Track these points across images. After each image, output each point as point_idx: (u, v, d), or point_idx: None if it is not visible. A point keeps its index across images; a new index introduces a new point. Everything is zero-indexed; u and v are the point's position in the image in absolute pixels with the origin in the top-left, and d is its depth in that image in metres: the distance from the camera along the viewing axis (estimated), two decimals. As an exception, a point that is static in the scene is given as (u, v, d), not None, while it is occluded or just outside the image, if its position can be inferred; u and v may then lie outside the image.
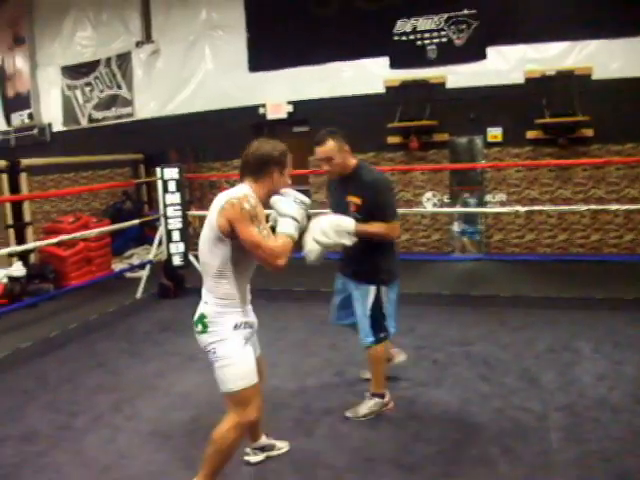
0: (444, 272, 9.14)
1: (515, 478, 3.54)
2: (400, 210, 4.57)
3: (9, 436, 4.35)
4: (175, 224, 8.41)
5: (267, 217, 3.26)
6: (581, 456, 3.70)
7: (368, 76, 10.33)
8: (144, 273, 8.69)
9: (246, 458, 3.84)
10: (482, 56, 9.69)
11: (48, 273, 8.79)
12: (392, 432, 4.19)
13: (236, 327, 3.19)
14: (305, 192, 10.84)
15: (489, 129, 9.82)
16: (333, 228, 3.99)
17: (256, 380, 3.24)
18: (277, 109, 11.08)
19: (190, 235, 8.66)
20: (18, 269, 8.46)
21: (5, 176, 8.90)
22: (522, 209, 8.39)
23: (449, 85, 9.91)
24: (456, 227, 10.12)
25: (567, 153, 9.36)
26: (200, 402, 4.67)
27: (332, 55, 10.50)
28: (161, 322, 7.08)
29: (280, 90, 10.94)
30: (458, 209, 9.97)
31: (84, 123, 12.98)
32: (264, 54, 10.97)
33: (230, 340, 3.16)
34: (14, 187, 8.98)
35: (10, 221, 8.91)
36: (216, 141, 11.05)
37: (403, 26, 10.04)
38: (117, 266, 10.12)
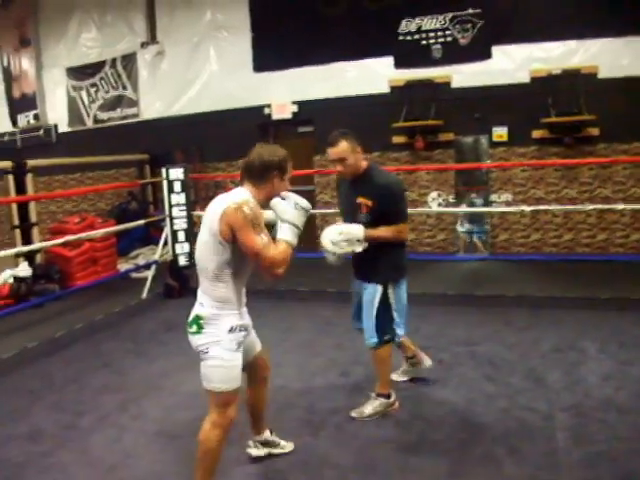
0: (449, 272, 9.12)
1: (521, 478, 3.53)
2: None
3: (15, 436, 4.36)
4: (180, 224, 8.41)
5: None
6: (587, 456, 3.70)
7: (373, 76, 10.33)
8: (150, 273, 8.70)
9: (248, 450, 3.86)
10: (487, 55, 9.68)
11: (54, 273, 8.80)
12: (398, 432, 4.19)
13: (231, 330, 3.21)
14: (310, 192, 10.86)
15: (494, 129, 9.80)
16: (343, 237, 4.04)
17: (239, 384, 3.29)
18: (282, 109, 11.09)
19: (195, 235, 8.66)
20: (24, 269, 8.48)
21: (11, 177, 8.92)
22: (528, 209, 8.38)
23: (454, 85, 9.90)
24: (461, 227, 10.09)
25: (573, 152, 9.33)
26: (206, 402, 4.67)
27: (337, 55, 10.50)
28: (167, 322, 7.08)
29: (285, 90, 10.95)
30: (463, 209, 9.94)
31: (89, 124, 13.01)
32: (269, 54, 10.97)
33: (224, 343, 3.19)
34: (20, 188, 9.00)
35: (16, 222, 8.93)
36: (221, 141, 11.05)
37: (408, 26, 10.03)
38: (123, 266, 10.12)
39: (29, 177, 9.16)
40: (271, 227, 3.29)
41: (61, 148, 12.86)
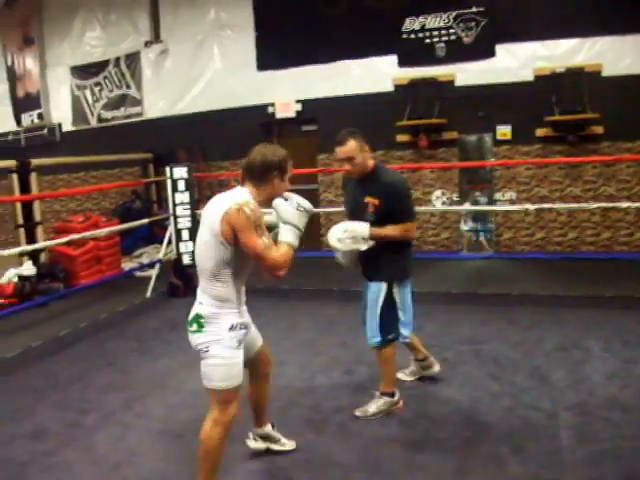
0: (453, 270, 9.12)
1: (525, 477, 3.53)
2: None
3: (19, 434, 4.36)
4: (184, 223, 8.41)
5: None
6: (591, 455, 3.69)
7: (377, 74, 10.33)
8: (154, 272, 8.71)
9: (247, 442, 3.89)
10: (491, 54, 9.67)
11: (58, 272, 8.81)
12: (402, 431, 4.19)
13: (232, 328, 3.22)
14: (314, 191, 10.86)
15: (498, 127, 9.79)
16: (348, 235, 4.05)
17: (240, 381, 3.29)
18: (286, 108, 11.09)
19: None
20: (28, 268, 8.49)
21: (15, 176, 8.94)
22: (532, 207, 8.36)
23: (458, 83, 9.89)
24: (464, 225, 10.08)
25: (577, 150, 9.32)
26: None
27: (340, 54, 10.50)
28: (171, 321, 7.09)
29: (289, 89, 10.95)
30: (467, 207, 9.93)
31: (93, 123, 13.02)
32: (272, 53, 10.97)
33: (225, 341, 3.20)
34: (24, 187, 9.01)
35: (20, 221, 8.94)
36: (225, 140, 11.05)
37: (411, 24, 10.02)
38: (127, 265, 10.13)
39: (33, 176, 9.17)
40: (270, 229, 3.32)
41: (65, 147, 12.88)
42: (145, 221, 9.39)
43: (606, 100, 8.91)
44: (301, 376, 5.25)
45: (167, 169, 8.53)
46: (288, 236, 3.22)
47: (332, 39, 10.51)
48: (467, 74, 9.78)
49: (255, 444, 3.90)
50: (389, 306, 4.28)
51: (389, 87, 10.26)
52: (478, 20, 9.63)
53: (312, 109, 10.84)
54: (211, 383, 3.24)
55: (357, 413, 4.39)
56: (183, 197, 8.41)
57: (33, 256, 8.84)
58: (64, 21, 12.90)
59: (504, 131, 9.77)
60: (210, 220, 3.16)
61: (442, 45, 9.91)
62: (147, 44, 12.07)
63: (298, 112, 11.03)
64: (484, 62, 9.71)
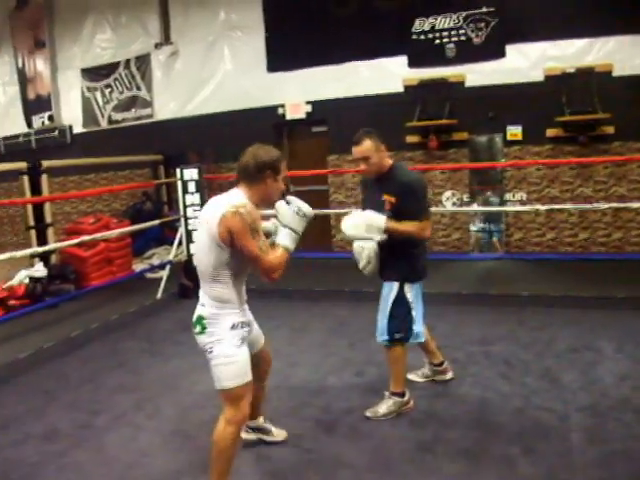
0: (464, 271, 9.09)
1: (536, 478, 3.52)
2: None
3: (31, 435, 4.39)
4: (195, 225, 8.42)
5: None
6: (603, 456, 3.68)
7: (386, 75, 10.31)
8: (164, 273, 8.72)
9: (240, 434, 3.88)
10: (501, 54, 9.64)
11: (69, 274, 8.84)
12: (412, 431, 4.19)
13: (233, 327, 3.26)
14: (324, 192, 10.85)
15: (509, 127, 9.76)
16: (365, 222, 4.07)
17: (250, 378, 3.33)
18: (296, 109, 11.10)
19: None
20: (39, 270, 8.52)
21: (26, 178, 8.96)
22: (542, 208, 8.34)
23: (468, 84, 9.87)
24: (474, 226, 10.06)
25: (588, 151, 9.28)
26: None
27: (350, 55, 10.49)
28: (182, 322, 7.09)
29: (299, 90, 10.95)
30: (478, 208, 9.90)
31: (104, 124, 13.06)
32: (282, 54, 10.98)
33: (227, 340, 3.24)
34: (35, 189, 9.03)
35: (31, 222, 8.97)
36: (235, 141, 10.89)
37: (421, 25, 10.00)
38: (137, 266, 10.16)
39: (44, 178, 9.19)
40: (267, 236, 3.39)
41: (76, 149, 12.94)
42: (156, 222, 9.42)
43: (617, 100, 8.87)
44: (312, 377, 5.25)
45: (177, 171, 8.56)
46: (285, 239, 3.28)
47: (342, 40, 10.50)
48: (477, 75, 9.76)
49: (247, 435, 3.98)
50: (399, 306, 4.29)
51: (399, 88, 10.24)
52: (488, 20, 9.61)
53: (322, 110, 10.84)
54: (220, 383, 3.28)
55: (367, 414, 4.39)
56: (193, 198, 8.43)
57: (44, 257, 8.86)
58: (74, 24, 12.95)
59: (514, 132, 9.74)
60: (208, 223, 3.19)
61: (452, 46, 9.89)
62: (157, 46, 12.09)
63: (308, 113, 11.03)
64: (494, 62, 9.68)
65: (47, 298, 8.17)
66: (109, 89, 12.86)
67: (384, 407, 4.39)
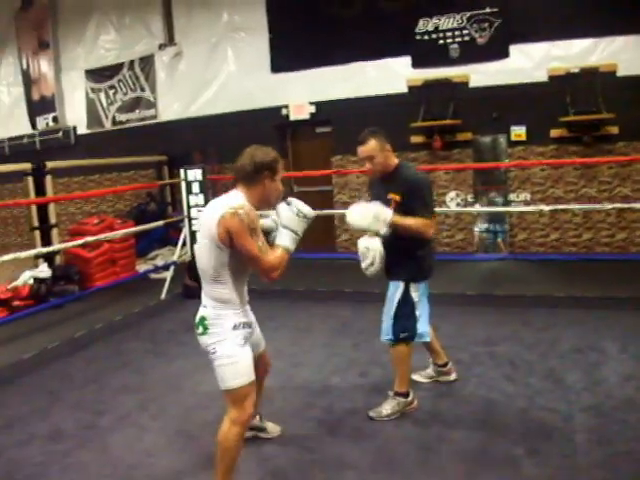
0: (468, 272, 9.08)
1: (540, 479, 3.51)
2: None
3: (35, 435, 4.39)
4: (198, 225, 8.42)
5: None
6: (608, 457, 3.67)
7: (390, 76, 10.31)
8: (168, 274, 8.74)
9: None
10: (505, 54, 9.63)
11: (73, 274, 8.84)
12: (416, 432, 4.19)
13: (235, 327, 3.29)
14: (328, 192, 10.84)
15: (513, 128, 9.75)
16: (372, 213, 4.06)
17: (253, 378, 3.35)
18: (300, 110, 11.09)
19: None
20: (44, 270, 8.54)
21: (31, 179, 8.98)
22: (546, 208, 8.33)
23: (472, 84, 9.86)
24: (477, 226, 10.05)
25: (592, 151, 9.27)
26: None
27: (354, 55, 10.49)
28: (185, 322, 7.07)
29: (302, 91, 10.95)
30: (482, 208, 9.89)
31: (108, 126, 13.08)
32: (286, 55, 10.99)
33: (229, 340, 3.26)
34: (40, 189, 9.05)
35: (36, 223, 8.98)
36: (239, 142, 10.86)
37: (425, 25, 10.00)
38: (141, 267, 10.16)
39: (48, 179, 9.21)
40: (267, 234, 3.45)
41: (80, 150, 12.96)
42: (160, 223, 9.43)
43: (621, 100, 8.85)
44: (316, 377, 5.25)
45: (181, 171, 8.57)
46: (285, 240, 3.29)
47: (345, 41, 10.50)
48: (481, 75, 9.75)
49: None
50: (405, 305, 4.29)
51: (403, 88, 10.24)
52: (492, 21, 9.60)
53: (326, 111, 10.84)
54: (224, 384, 3.29)
55: (371, 414, 4.39)
56: (197, 199, 8.44)
57: (48, 258, 8.88)
58: (78, 25, 12.97)
59: (518, 132, 9.73)
60: (207, 224, 3.22)
61: (456, 46, 9.89)
62: (161, 47, 12.11)
63: (312, 114, 11.02)
64: (498, 63, 9.67)
65: (51, 299, 8.19)
66: (113, 90, 12.88)
67: (388, 407, 4.39)
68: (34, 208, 9.00)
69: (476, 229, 10.09)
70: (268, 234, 3.48)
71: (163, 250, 11.12)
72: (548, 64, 9.43)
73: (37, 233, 8.99)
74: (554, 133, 9.50)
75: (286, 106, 11.16)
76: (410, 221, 4.10)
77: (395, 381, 4.45)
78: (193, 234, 8.45)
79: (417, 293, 4.32)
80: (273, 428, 4.19)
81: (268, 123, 11.05)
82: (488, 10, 9.61)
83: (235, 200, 3.21)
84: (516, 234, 10.01)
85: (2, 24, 13.95)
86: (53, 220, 9.24)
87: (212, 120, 11.54)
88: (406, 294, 4.29)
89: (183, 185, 8.53)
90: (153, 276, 9.63)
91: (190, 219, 8.46)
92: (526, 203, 9.75)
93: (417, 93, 10.12)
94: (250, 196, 3.28)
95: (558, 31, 9.26)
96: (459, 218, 10.31)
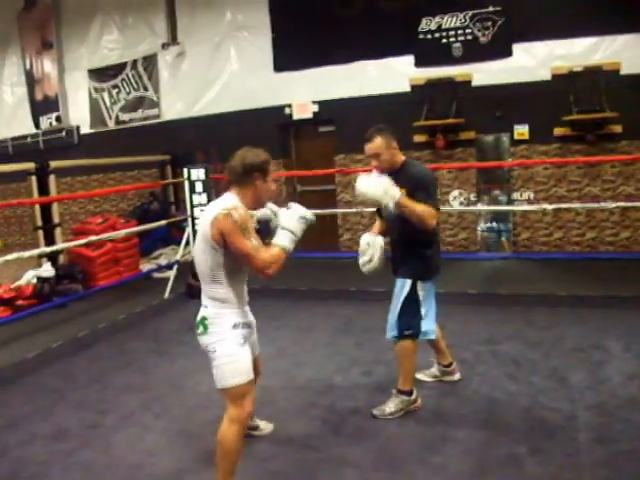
0: (471, 271, 9.07)
1: (543, 477, 3.51)
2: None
3: (39, 434, 4.40)
4: (201, 225, 8.43)
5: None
6: (611, 456, 3.66)
7: (393, 75, 10.30)
8: (171, 273, 8.74)
9: None
10: (508, 53, 9.62)
11: (77, 273, 8.86)
12: (419, 431, 4.18)
13: (235, 327, 3.34)
14: (331, 191, 10.83)
15: (516, 126, 9.74)
16: (383, 186, 4.01)
17: (251, 377, 3.41)
18: (303, 109, 11.10)
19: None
20: (47, 270, 8.54)
21: (34, 178, 8.98)
22: (550, 207, 8.31)
23: (475, 83, 9.85)
24: (482, 225, 10.05)
25: (595, 150, 9.26)
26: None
27: (357, 54, 10.49)
28: (189, 322, 7.03)
29: (305, 90, 10.95)
30: (485, 207, 9.88)
31: (111, 125, 13.09)
32: (289, 54, 10.99)
33: (229, 339, 3.31)
34: (43, 189, 9.06)
35: (39, 222, 8.99)
36: (242, 141, 10.82)
37: (428, 24, 9.99)
38: (145, 266, 10.18)
39: (52, 178, 9.21)
40: (266, 223, 3.59)
41: (83, 149, 12.99)
42: (163, 223, 9.44)
43: (624, 99, 8.84)
44: (319, 376, 5.25)
45: (185, 171, 8.57)
46: (282, 239, 3.32)
47: (348, 40, 10.50)
48: (484, 74, 9.74)
49: None
50: (411, 303, 4.30)
51: (406, 87, 10.23)
52: (495, 19, 9.60)
53: (329, 110, 10.84)
54: (222, 382, 3.34)
55: (375, 412, 4.39)
56: (201, 199, 8.44)
57: (52, 258, 8.88)
58: (82, 25, 12.99)
59: (522, 131, 9.72)
60: (203, 226, 3.30)
61: (459, 45, 9.88)
62: (164, 46, 12.11)
63: (315, 113, 11.03)
64: (501, 62, 9.66)
65: (55, 298, 8.20)
66: (116, 90, 12.89)
67: (391, 405, 4.39)
68: (37, 207, 9.00)
69: (479, 228, 10.08)
70: (267, 224, 3.61)
71: (166, 249, 11.14)
72: (551, 63, 9.42)
73: (40, 232, 8.99)
74: (557, 132, 9.49)
75: (289, 105, 11.16)
76: (416, 206, 4.06)
77: (399, 379, 4.45)
78: (196, 233, 8.45)
79: (423, 292, 4.32)
80: (265, 426, 4.23)
81: (271, 122, 11.07)
82: (491, 9, 9.61)
83: (228, 202, 3.29)
84: (519, 233, 10.00)
85: (5, 24, 13.97)
86: (56, 219, 9.25)
87: (215, 119, 11.54)
88: (412, 292, 4.30)
89: (186, 184, 8.54)
90: (156, 275, 9.65)
91: (193, 218, 8.45)
92: (529, 202, 9.74)
93: (420, 92, 10.11)
94: (243, 197, 3.35)
95: (561, 30, 9.25)
96: (462, 217, 10.31)
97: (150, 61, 12.41)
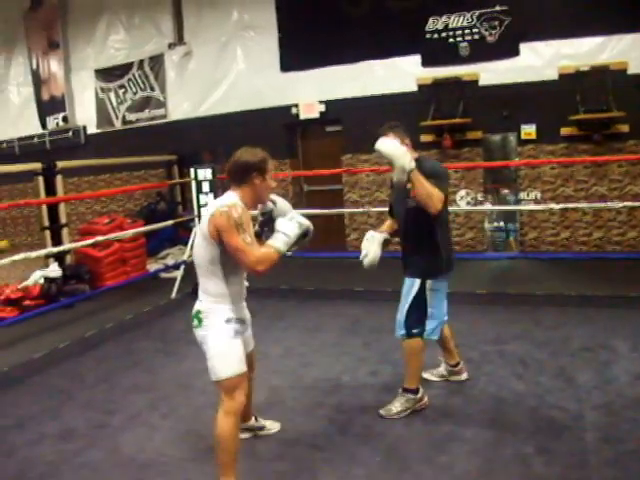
0: (478, 270, 9.05)
1: (550, 477, 3.51)
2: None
3: (47, 434, 4.41)
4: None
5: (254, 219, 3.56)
6: (618, 456, 3.66)
7: (400, 74, 10.29)
8: (179, 273, 8.75)
9: None
10: (515, 52, 9.61)
11: (84, 274, 8.87)
12: (426, 430, 4.18)
13: (228, 321, 3.43)
14: (338, 191, 10.83)
15: (523, 126, 9.72)
16: (403, 149, 3.99)
17: (244, 369, 3.49)
18: (309, 109, 11.09)
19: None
20: (54, 270, 8.55)
21: (41, 178, 8.99)
22: (557, 206, 8.30)
23: (482, 82, 9.83)
24: (489, 225, 10.04)
25: (602, 149, 9.24)
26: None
27: (364, 54, 10.49)
28: (196, 322, 7.11)
29: (312, 90, 10.95)
30: (492, 207, 9.86)
31: (118, 125, 13.11)
32: (296, 54, 10.99)
33: (222, 333, 3.42)
34: (50, 189, 9.07)
35: (46, 223, 9.00)
36: (249, 141, 10.81)
37: (435, 24, 9.98)
38: (152, 266, 10.19)
39: (59, 179, 9.23)
40: (262, 232, 3.65)
41: (90, 149, 13.01)
42: (170, 223, 9.46)
43: (631, 98, 8.82)
44: (326, 376, 5.25)
45: (191, 171, 8.58)
46: (275, 241, 3.37)
47: (355, 39, 10.49)
48: (491, 73, 9.72)
49: (241, 435, 4.01)
50: (419, 302, 4.31)
51: (413, 87, 10.22)
52: (502, 19, 9.58)
53: (336, 110, 10.84)
54: (216, 375, 3.43)
55: (381, 412, 4.39)
56: (207, 198, 8.43)
57: (59, 258, 8.90)
58: (88, 24, 13.00)
59: (528, 130, 9.70)
60: (202, 223, 3.40)
61: (466, 44, 9.87)
62: (171, 46, 12.13)
63: (322, 113, 11.02)
64: (508, 61, 9.64)
65: (62, 298, 8.21)
66: (123, 90, 12.91)
67: (397, 405, 4.39)
68: (44, 208, 9.02)
69: (487, 228, 10.06)
70: (265, 214, 3.68)
71: (173, 249, 11.15)
72: (558, 62, 9.40)
73: (47, 233, 9.01)
74: (564, 131, 9.47)
75: (296, 105, 11.16)
76: (427, 182, 4.01)
77: (405, 377, 4.46)
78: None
79: (431, 291, 4.32)
80: (272, 425, 4.26)
81: (278, 122, 11.08)
82: (498, 8, 9.59)
83: (227, 199, 3.38)
84: (526, 233, 9.99)
85: (11, 24, 14.00)
86: (63, 220, 9.26)
87: (222, 119, 11.55)
88: (421, 291, 4.31)
89: (193, 184, 8.55)
90: (163, 275, 9.66)
91: (200, 218, 8.45)
92: (536, 202, 9.72)
93: (427, 92, 10.10)
94: (243, 196, 3.43)
95: (568, 29, 9.23)
96: (469, 217, 10.30)
97: (157, 61, 12.42)
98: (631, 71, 8.98)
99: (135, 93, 12.80)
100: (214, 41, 11.73)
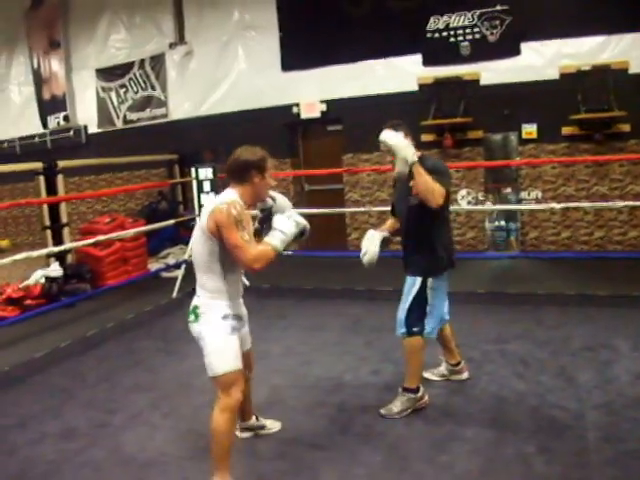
0: (479, 270, 9.04)
1: (551, 477, 3.51)
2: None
3: (48, 434, 4.41)
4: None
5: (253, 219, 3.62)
6: (619, 455, 3.66)
7: (401, 74, 10.28)
8: (180, 272, 8.75)
9: (236, 433, 3.94)
10: (516, 52, 9.60)
11: (85, 273, 8.88)
12: (427, 430, 4.19)
13: (225, 317, 3.45)
14: (339, 190, 10.84)
15: (524, 125, 9.71)
16: (407, 141, 4.05)
17: (240, 366, 3.51)
18: (311, 108, 11.09)
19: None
20: (55, 269, 8.56)
21: (42, 178, 8.99)
22: (558, 206, 8.29)
23: (483, 82, 9.82)
24: (490, 224, 10.03)
25: (603, 149, 9.23)
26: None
27: (365, 53, 10.48)
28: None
29: (313, 89, 10.94)
30: (493, 206, 9.86)
31: (119, 124, 13.10)
32: (297, 53, 10.98)
33: (218, 328, 3.44)
34: (51, 189, 9.06)
35: (47, 222, 8.99)
36: (250, 141, 10.81)
37: (436, 23, 9.97)
38: (153, 266, 10.19)
39: (60, 178, 9.21)
40: (262, 229, 3.68)
41: (91, 149, 13.02)
42: (171, 222, 9.46)
43: (633, 97, 8.80)
44: (327, 375, 5.25)
45: (192, 170, 8.58)
46: (272, 239, 3.40)
47: (356, 39, 10.48)
48: (492, 73, 9.71)
49: (241, 434, 4.12)
50: (420, 300, 4.32)
51: (414, 86, 10.20)
52: (503, 18, 9.57)
53: (337, 109, 10.83)
54: (213, 371, 3.46)
55: (382, 412, 4.40)
56: (209, 198, 8.43)
57: (60, 257, 8.90)
58: (89, 24, 13.00)
59: (530, 130, 9.69)
60: (202, 218, 3.42)
61: (467, 44, 9.86)
62: (172, 46, 12.13)
63: (323, 112, 11.01)
64: (509, 60, 9.63)
65: (63, 298, 8.22)
66: (124, 89, 12.90)
67: (398, 404, 4.39)
68: (45, 207, 9.01)
69: (488, 227, 10.06)
70: (268, 211, 3.70)
71: (174, 249, 11.14)
72: (559, 62, 9.39)
73: (48, 232, 9.00)
74: (565, 131, 9.46)
75: (297, 104, 11.15)
76: (428, 176, 4.03)
77: (405, 377, 4.46)
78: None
79: (432, 289, 4.33)
80: (272, 424, 4.27)
81: (279, 121, 11.08)
82: (499, 8, 9.58)
83: (227, 196, 3.42)
84: (527, 232, 9.98)
85: (12, 23, 13.99)
86: (64, 219, 9.25)
87: (223, 119, 11.54)
88: (422, 290, 4.32)
89: (194, 184, 8.56)
90: (164, 275, 9.67)
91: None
92: (537, 201, 9.72)
93: (428, 91, 10.09)
94: (242, 194, 3.47)
95: (569, 28, 9.21)
96: (470, 216, 10.29)
97: (158, 60, 12.42)
98: (632, 70, 8.96)
99: (136, 92, 12.80)
100: (215, 41, 11.72)
